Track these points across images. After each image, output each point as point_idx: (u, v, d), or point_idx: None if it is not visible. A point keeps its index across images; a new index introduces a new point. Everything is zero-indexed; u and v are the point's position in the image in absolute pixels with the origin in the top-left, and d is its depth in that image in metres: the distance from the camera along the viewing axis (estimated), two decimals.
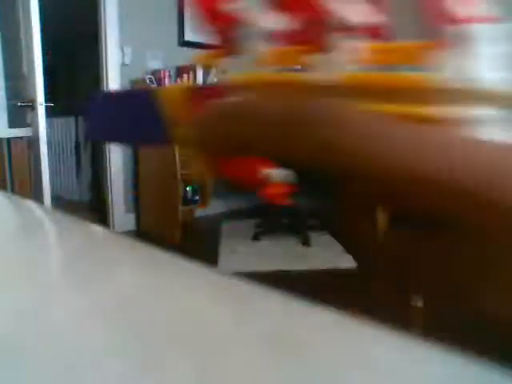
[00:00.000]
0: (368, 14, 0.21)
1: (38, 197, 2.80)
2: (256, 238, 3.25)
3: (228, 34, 0.24)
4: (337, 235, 3.32)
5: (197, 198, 3.78)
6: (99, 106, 0.31)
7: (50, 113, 3.76)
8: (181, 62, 3.80)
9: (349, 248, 3.02)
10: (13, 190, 2.69)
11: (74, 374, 0.15)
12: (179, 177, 3.23)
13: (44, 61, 2.76)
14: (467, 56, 0.20)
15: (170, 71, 3.62)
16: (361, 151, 0.18)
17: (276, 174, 0.24)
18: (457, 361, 0.16)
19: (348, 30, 0.21)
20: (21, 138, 2.72)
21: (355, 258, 2.84)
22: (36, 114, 2.73)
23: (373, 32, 0.21)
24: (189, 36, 3.93)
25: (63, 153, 4.95)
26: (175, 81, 3.67)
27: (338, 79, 0.20)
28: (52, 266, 0.28)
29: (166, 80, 3.59)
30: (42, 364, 0.16)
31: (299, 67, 0.22)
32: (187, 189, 3.68)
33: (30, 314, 0.20)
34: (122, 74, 3.51)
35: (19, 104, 2.77)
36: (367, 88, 0.20)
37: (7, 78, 2.99)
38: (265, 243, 3.18)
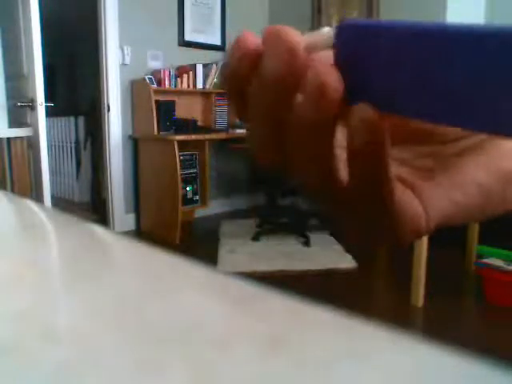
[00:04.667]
0: None
1: (38, 197, 2.80)
2: (256, 238, 3.25)
3: None
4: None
5: (197, 197, 3.78)
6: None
7: (50, 113, 3.76)
8: (181, 62, 3.80)
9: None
10: (13, 190, 2.69)
11: (74, 374, 0.15)
12: (179, 177, 3.23)
13: (44, 61, 2.76)
14: None
15: (170, 71, 3.62)
16: None
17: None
18: (457, 361, 0.16)
19: None
20: (21, 137, 2.72)
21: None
22: (36, 114, 2.74)
23: None
24: (189, 36, 3.93)
25: (63, 153, 4.95)
26: (175, 81, 3.67)
27: None
28: (52, 266, 0.28)
29: (166, 80, 3.59)
30: (41, 364, 0.16)
31: None
32: (187, 189, 3.69)
33: (29, 314, 0.20)
34: (122, 74, 3.51)
35: (19, 104, 2.77)
36: None
37: (7, 78, 2.99)
38: (265, 243, 3.18)
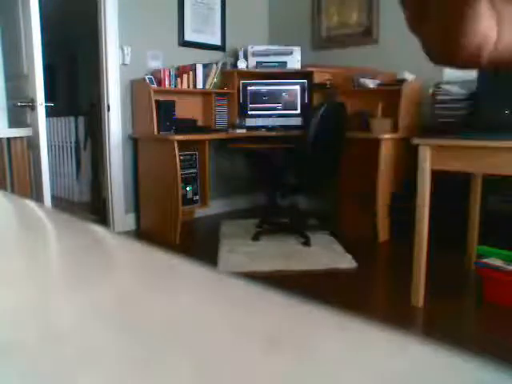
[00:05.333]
0: None
1: (38, 197, 2.80)
2: (256, 238, 3.25)
3: None
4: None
5: (197, 197, 3.78)
6: None
7: (50, 113, 3.76)
8: (181, 62, 3.80)
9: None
10: (13, 190, 2.69)
11: (74, 374, 0.15)
12: (179, 177, 3.23)
13: (44, 61, 2.76)
14: None
15: (170, 71, 3.62)
16: None
17: None
18: (457, 361, 0.16)
19: None
20: (21, 138, 2.72)
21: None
22: (36, 114, 2.74)
23: None
24: (189, 36, 3.93)
25: (63, 153, 4.95)
26: (175, 81, 3.67)
27: None
28: (52, 265, 0.28)
29: (166, 80, 3.59)
30: (42, 364, 0.16)
31: None
32: (187, 189, 3.69)
33: (30, 314, 0.20)
34: (122, 74, 3.51)
35: (19, 104, 2.77)
36: None
37: (7, 78, 2.99)
38: (265, 243, 3.18)
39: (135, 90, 3.55)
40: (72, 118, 4.78)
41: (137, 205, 3.67)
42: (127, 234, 3.52)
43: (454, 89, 3.08)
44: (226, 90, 3.98)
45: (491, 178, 2.63)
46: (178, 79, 3.68)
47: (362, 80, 3.59)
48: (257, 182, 4.29)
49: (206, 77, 3.85)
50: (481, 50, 0.19)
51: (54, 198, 3.51)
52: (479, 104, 2.85)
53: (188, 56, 3.89)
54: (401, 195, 3.22)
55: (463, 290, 2.46)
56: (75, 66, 5.95)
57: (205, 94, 3.97)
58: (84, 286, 0.23)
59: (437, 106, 3.14)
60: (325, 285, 2.51)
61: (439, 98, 3.13)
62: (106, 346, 0.17)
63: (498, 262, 2.21)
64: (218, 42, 4.15)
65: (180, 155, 3.29)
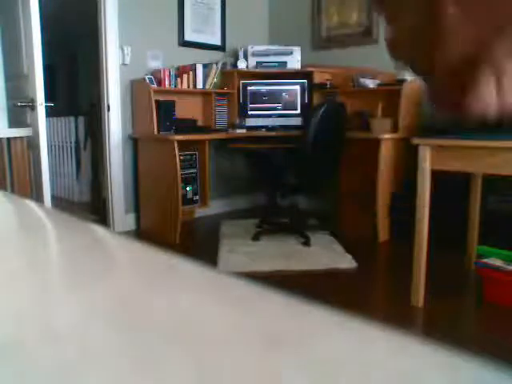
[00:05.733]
0: None
1: (38, 197, 2.80)
2: (256, 238, 3.25)
3: None
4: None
5: (197, 197, 3.78)
6: None
7: (50, 113, 3.76)
8: (181, 62, 3.80)
9: None
10: (13, 190, 2.69)
11: (74, 374, 0.15)
12: (179, 177, 3.23)
13: (44, 61, 2.76)
14: None
15: (170, 71, 3.62)
16: None
17: None
18: (457, 361, 0.16)
19: None
20: (21, 138, 2.72)
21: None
22: (36, 114, 2.74)
23: None
24: (189, 36, 3.93)
25: (63, 153, 4.95)
26: (175, 81, 3.67)
27: None
28: (52, 265, 0.28)
29: (166, 80, 3.60)
30: (42, 364, 0.16)
31: None
32: (187, 189, 3.69)
33: (30, 313, 0.20)
34: (122, 74, 3.51)
35: (19, 104, 2.77)
36: None
37: (7, 78, 2.99)
38: (265, 243, 3.18)
39: (135, 90, 3.55)
40: (72, 118, 4.78)
41: (137, 205, 3.67)
42: (127, 233, 3.52)
43: None
44: (226, 89, 3.98)
45: (491, 177, 2.63)
46: (178, 79, 3.68)
47: (362, 80, 3.59)
48: (257, 182, 4.29)
49: (206, 77, 3.85)
50: (486, 110, 0.19)
51: (54, 198, 3.51)
52: None
53: (188, 56, 3.89)
54: (401, 195, 3.22)
55: (463, 290, 2.46)
56: (75, 66, 5.94)
57: (205, 93, 3.97)
58: (84, 286, 0.23)
59: None
60: (325, 285, 2.51)
61: None
62: (106, 346, 0.17)
63: (498, 262, 2.21)
64: (217, 42, 4.15)
65: (180, 155, 3.29)
